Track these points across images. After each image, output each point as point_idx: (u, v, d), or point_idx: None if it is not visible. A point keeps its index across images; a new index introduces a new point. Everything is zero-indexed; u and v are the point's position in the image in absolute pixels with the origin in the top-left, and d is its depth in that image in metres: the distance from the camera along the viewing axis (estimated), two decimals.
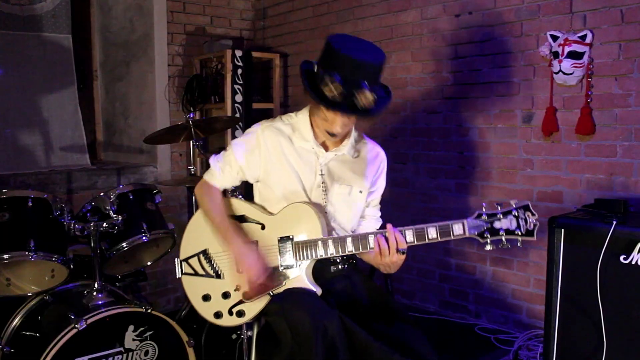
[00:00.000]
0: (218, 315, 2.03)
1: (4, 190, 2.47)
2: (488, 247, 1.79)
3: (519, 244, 1.79)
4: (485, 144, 3.37)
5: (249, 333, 2.21)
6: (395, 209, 3.77)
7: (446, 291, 3.66)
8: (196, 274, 2.10)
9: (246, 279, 1.96)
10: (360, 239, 1.88)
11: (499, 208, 1.80)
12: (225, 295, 2.02)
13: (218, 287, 2.04)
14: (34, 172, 3.64)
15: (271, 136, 2.02)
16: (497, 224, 1.79)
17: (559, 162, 3.06)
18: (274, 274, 1.96)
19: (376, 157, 2.14)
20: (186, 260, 2.13)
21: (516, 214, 1.78)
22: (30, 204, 2.47)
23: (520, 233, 1.78)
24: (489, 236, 1.79)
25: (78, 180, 3.73)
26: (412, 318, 1.93)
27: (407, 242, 1.84)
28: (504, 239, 1.79)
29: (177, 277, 2.14)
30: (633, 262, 2.22)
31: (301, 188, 2.01)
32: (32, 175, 3.57)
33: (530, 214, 1.78)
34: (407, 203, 3.78)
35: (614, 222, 2.25)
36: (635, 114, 2.76)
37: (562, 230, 2.41)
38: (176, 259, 2.14)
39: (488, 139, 3.36)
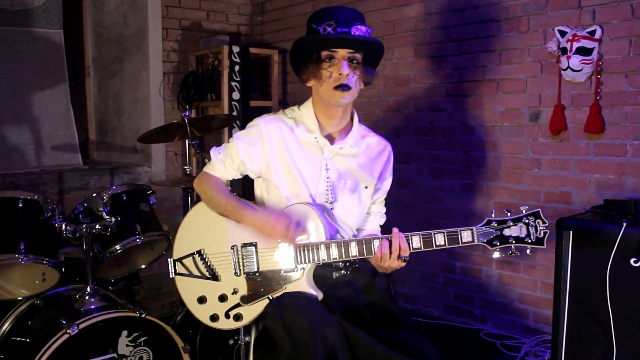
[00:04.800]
0: (214, 318, 2.02)
1: None
2: (496, 255, 1.80)
3: (528, 252, 1.80)
4: (491, 143, 3.38)
5: (247, 338, 2.21)
6: (399, 210, 3.78)
7: (451, 295, 3.66)
8: (191, 274, 2.08)
9: (282, 237, 1.90)
10: (365, 243, 1.88)
11: (509, 214, 1.80)
12: (222, 298, 2.01)
13: (214, 290, 2.03)
14: (24, 172, 3.64)
15: (274, 129, 2.03)
16: (506, 232, 1.79)
17: (568, 162, 3.06)
18: (275, 277, 1.96)
19: (382, 150, 2.14)
20: (180, 260, 2.10)
21: (527, 221, 1.79)
22: (20, 205, 2.48)
23: (530, 241, 1.79)
24: (498, 244, 1.80)
25: (70, 180, 3.73)
26: (416, 323, 1.93)
27: (413, 249, 1.85)
28: (513, 246, 1.80)
29: (170, 277, 2.12)
30: None
31: (304, 183, 2.01)
32: (23, 176, 3.57)
33: (540, 222, 1.78)
34: (410, 204, 3.78)
35: (624, 224, 2.25)
36: None
37: (571, 232, 2.41)
38: (169, 259, 2.12)
39: (494, 137, 3.36)
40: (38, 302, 2.53)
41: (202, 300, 2.04)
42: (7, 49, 3.78)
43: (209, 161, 2.13)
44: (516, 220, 1.79)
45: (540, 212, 1.79)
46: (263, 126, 2.03)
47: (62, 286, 2.62)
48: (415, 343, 1.80)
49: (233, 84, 4.07)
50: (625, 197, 2.82)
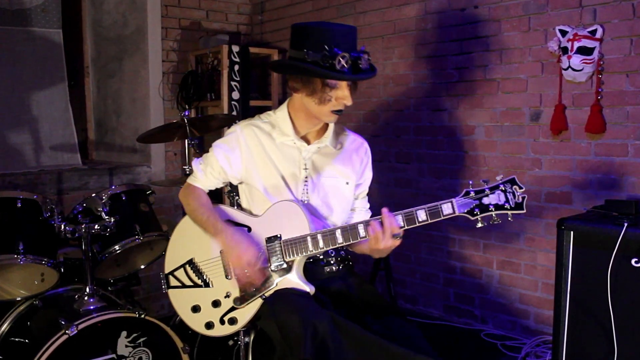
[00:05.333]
0: (209, 325, 2.04)
1: None
2: (479, 225, 1.84)
3: (509, 218, 1.84)
4: (492, 142, 3.38)
5: (246, 339, 2.21)
6: (399, 210, 3.77)
7: (451, 296, 3.66)
8: (183, 285, 2.11)
9: (238, 268, 1.97)
10: (349, 229, 1.91)
11: (486, 185, 1.85)
12: (216, 304, 2.04)
13: (207, 296, 2.06)
14: (23, 172, 3.64)
15: (251, 134, 2.07)
16: (485, 200, 1.84)
17: (568, 162, 3.06)
18: (265, 274, 1.97)
19: (359, 147, 2.19)
20: (172, 273, 2.14)
21: (503, 189, 1.84)
22: (19, 205, 2.48)
23: (509, 207, 1.83)
24: (478, 213, 1.83)
25: (69, 180, 3.73)
26: (414, 322, 1.94)
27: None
28: (494, 214, 1.84)
29: (164, 292, 2.15)
30: None
31: (285, 184, 2.04)
32: (21, 176, 3.57)
33: (517, 187, 1.84)
34: (410, 204, 3.72)
35: (625, 224, 2.26)
36: None
37: (572, 232, 2.41)
38: (161, 274, 2.16)
39: (494, 137, 3.36)
40: (37, 302, 2.53)
41: (196, 309, 2.07)
42: (6, 49, 3.77)
43: (192, 173, 2.18)
44: (493, 188, 1.84)
45: (516, 178, 1.85)
46: (239, 132, 2.08)
47: (61, 286, 2.62)
48: (408, 334, 1.84)
49: (233, 83, 4.07)
50: (627, 197, 2.82)
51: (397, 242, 1.88)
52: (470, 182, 1.88)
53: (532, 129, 3.19)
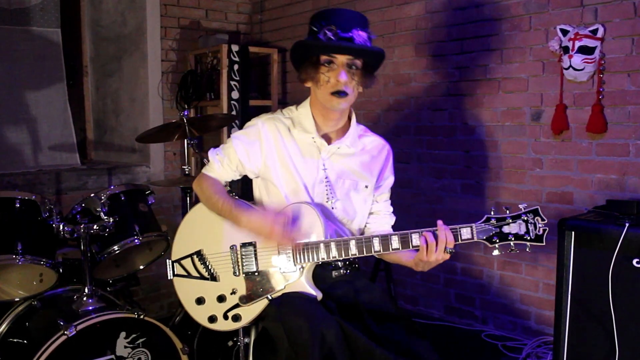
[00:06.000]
0: (212, 319, 2.02)
1: None
2: (496, 252, 1.81)
3: (527, 249, 1.82)
4: (493, 142, 3.38)
5: (246, 339, 2.21)
6: (399, 210, 3.74)
7: (451, 296, 3.66)
8: (189, 275, 2.09)
9: (278, 233, 1.89)
10: (364, 241, 1.88)
11: (508, 212, 1.82)
12: (221, 299, 2.01)
13: (213, 290, 2.03)
14: (22, 172, 3.64)
15: (272, 129, 2.04)
16: (506, 229, 1.81)
17: (569, 162, 3.06)
18: (274, 277, 1.96)
19: (381, 149, 2.15)
20: (178, 261, 2.11)
21: (525, 219, 1.80)
22: (17, 205, 2.47)
23: (529, 238, 1.80)
24: (497, 241, 1.81)
25: (67, 180, 3.73)
26: (416, 325, 1.93)
27: (413, 246, 1.85)
28: (512, 244, 1.81)
29: (169, 278, 2.12)
30: None
31: (302, 183, 2.01)
32: (20, 176, 3.57)
33: (539, 219, 1.80)
34: (411, 204, 3.78)
35: (627, 224, 2.26)
36: None
37: (573, 232, 2.41)
38: (167, 260, 2.13)
39: (495, 137, 3.36)
40: (35, 303, 2.53)
41: (200, 301, 2.04)
42: (4, 48, 3.77)
43: (208, 162, 2.14)
44: (515, 218, 1.81)
45: (539, 209, 1.80)
46: (261, 126, 2.05)
47: (60, 287, 2.62)
48: (415, 345, 1.80)
49: (232, 83, 4.07)
50: (628, 197, 2.82)
51: (447, 256, 1.84)
52: (492, 207, 1.84)
53: (533, 129, 3.19)
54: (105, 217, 2.57)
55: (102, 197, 2.65)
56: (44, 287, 2.59)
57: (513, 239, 1.80)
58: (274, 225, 1.88)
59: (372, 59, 1.96)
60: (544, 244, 1.80)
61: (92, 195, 2.69)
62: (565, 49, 2.87)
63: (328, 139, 2.06)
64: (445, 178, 3.61)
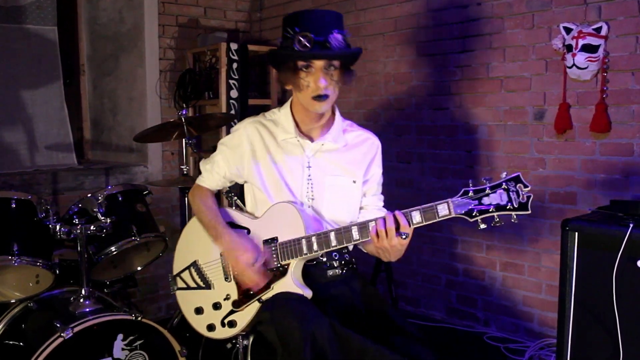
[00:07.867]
0: (211, 328, 2.07)
1: None
2: (482, 226, 1.72)
3: (513, 220, 1.72)
4: (495, 142, 3.37)
5: (245, 342, 2.21)
6: (400, 210, 3.76)
7: (453, 298, 3.66)
8: (188, 287, 2.16)
9: (237, 270, 1.98)
10: (343, 231, 1.87)
11: (487, 183, 1.73)
12: (216, 306, 2.06)
13: (209, 298, 2.08)
14: (18, 172, 3.64)
15: (254, 133, 2.09)
16: (485, 200, 1.71)
17: (573, 162, 3.06)
18: (268, 276, 1.97)
19: (365, 142, 2.14)
20: (179, 274, 2.18)
21: (506, 187, 1.70)
22: (13, 205, 2.47)
23: (512, 207, 1.69)
24: (478, 214, 1.72)
25: (64, 180, 3.72)
26: (416, 327, 1.93)
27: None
28: (495, 215, 1.71)
29: (172, 293, 2.22)
30: None
31: (285, 185, 2.04)
32: (16, 175, 3.56)
33: (522, 186, 1.69)
34: (411, 204, 3.76)
35: (631, 225, 2.25)
36: None
37: (576, 233, 2.41)
38: (169, 275, 2.22)
39: (497, 137, 3.36)
40: (32, 304, 2.53)
41: (199, 311, 2.10)
42: (0, 46, 3.77)
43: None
44: (494, 187, 1.70)
45: (521, 175, 1.71)
46: (243, 130, 2.11)
47: (56, 288, 2.62)
48: (413, 348, 1.80)
49: (231, 82, 4.07)
50: (632, 198, 2.82)
51: (404, 241, 1.81)
52: (471, 180, 1.76)
53: (536, 128, 3.19)
54: (103, 218, 2.57)
55: (99, 198, 2.65)
56: (41, 289, 2.59)
57: (494, 210, 1.70)
58: (240, 258, 1.95)
59: (349, 59, 1.98)
60: (530, 211, 1.70)
61: (89, 195, 2.69)
62: (569, 47, 2.87)
63: (311, 137, 2.08)
64: (446, 178, 3.61)
